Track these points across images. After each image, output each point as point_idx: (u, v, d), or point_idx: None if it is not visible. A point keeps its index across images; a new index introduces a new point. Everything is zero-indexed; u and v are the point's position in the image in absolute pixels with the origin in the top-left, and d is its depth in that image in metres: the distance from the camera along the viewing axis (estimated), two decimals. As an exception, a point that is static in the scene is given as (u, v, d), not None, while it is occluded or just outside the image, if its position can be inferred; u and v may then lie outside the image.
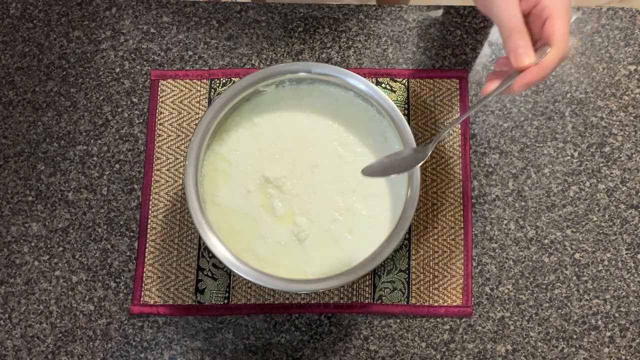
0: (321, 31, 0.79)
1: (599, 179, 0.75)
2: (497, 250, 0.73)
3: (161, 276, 0.74)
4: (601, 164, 0.75)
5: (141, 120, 0.77)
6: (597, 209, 0.74)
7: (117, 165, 0.76)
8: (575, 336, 0.71)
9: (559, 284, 0.72)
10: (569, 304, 0.72)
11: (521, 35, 0.52)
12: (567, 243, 0.73)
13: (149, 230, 0.75)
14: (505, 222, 0.74)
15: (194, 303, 0.73)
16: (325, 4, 0.80)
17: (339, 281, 0.63)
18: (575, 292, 0.72)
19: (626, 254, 0.73)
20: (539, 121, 0.76)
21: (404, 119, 0.66)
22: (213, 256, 0.70)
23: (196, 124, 0.76)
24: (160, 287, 0.73)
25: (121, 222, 0.75)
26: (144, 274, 0.74)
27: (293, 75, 0.69)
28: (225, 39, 0.79)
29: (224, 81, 0.78)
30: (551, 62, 0.52)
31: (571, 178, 0.75)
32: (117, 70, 0.79)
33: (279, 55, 0.79)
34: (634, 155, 0.75)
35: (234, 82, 0.76)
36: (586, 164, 0.75)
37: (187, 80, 0.78)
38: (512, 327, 0.72)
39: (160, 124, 0.77)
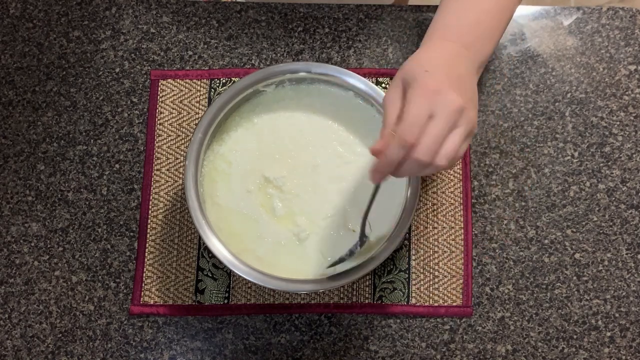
0: (321, 31, 0.79)
1: (599, 179, 0.75)
2: (497, 250, 0.73)
3: (161, 276, 0.74)
4: (601, 164, 0.75)
5: (141, 120, 0.77)
6: (597, 209, 0.74)
7: (117, 165, 0.76)
8: (575, 336, 0.71)
9: (559, 284, 0.72)
10: (569, 304, 0.72)
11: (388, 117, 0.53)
12: (567, 243, 0.73)
13: (148, 230, 0.74)
14: (505, 222, 0.74)
15: (193, 303, 0.73)
16: (325, 4, 0.80)
17: (339, 281, 0.63)
18: (576, 292, 0.72)
19: (626, 254, 0.73)
20: (539, 121, 0.76)
21: (404, 119, 0.66)
22: (213, 256, 0.70)
23: (196, 124, 0.76)
24: (160, 287, 0.73)
25: (121, 222, 0.75)
26: (144, 274, 0.74)
27: (293, 75, 0.69)
28: (225, 38, 0.79)
29: (224, 81, 0.78)
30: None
31: (571, 178, 0.75)
32: (117, 70, 0.79)
33: (279, 55, 0.79)
34: (634, 155, 0.75)
35: (234, 82, 0.76)
36: (586, 164, 0.75)
37: (187, 80, 0.78)
38: (512, 327, 0.72)
39: (160, 124, 0.77)
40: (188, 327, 0.72)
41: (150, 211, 0.75)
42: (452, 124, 0.52)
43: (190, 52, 0.79)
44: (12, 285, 0.74)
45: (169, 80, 0.78)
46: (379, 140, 0.53)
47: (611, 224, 0.74)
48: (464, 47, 0.59)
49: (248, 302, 0.73)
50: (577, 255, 0.73)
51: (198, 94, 0.78)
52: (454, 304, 0.72)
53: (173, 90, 0.78)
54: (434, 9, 0.79)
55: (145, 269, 0.74)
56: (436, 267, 0.73)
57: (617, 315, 0.72)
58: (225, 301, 0.73)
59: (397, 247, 0.69)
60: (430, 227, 0.74)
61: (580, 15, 0.79)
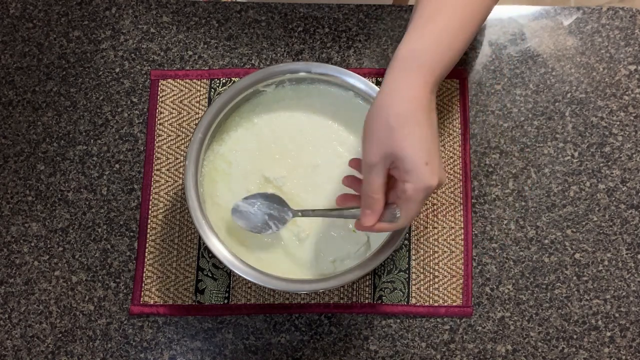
0: (321, 31, 0.79)
1: (599, 179, 0.75)
2: (497, 250, 0.73)
3: (161, 276, 0.74)
4: (601, 164, 0.75)
5: (141, 120, 0.77)
6: (597, 209, 0.74)
7: (117, 165, 0.76)
8: (575, 336, 0.71)
9: (559, 284, 0.72)
10: (569, 304, 0.72)
11: (376, 205, 0.58)
12: (567, 243, 0.73)
13: (148, 230, 0.74)
14: (505, 222, 0.74)
15: (193, 303, 0.73)
16: (325, 4, 0.80)
17: (339, 281, 0.63)
18: (576, 292, 0.72)
19: (626, 254, 0.73)
20: (539, 121, 0.76)
21: (404, 119, 0.66)
22: (213, 256, 0.70)
23: (196, 124, 0.76)
24: (160, 287, 0.73)
25: (121, 222, 0.75)
26: (144, 274, 0.74)
27: (293, 75, 0.69)
28: (225, 38, 0.79)
29: (224, 81, 0.78)
30: (388, 229, 0.60)
31: (571, 178, 0.75)
32: (117, 70, 0.79)
33: (279, 55, 0.79)
34: (634, 155, 0.75)
35: (234, 82, 0.76)
36: (586, 164, 0.75)
37: (187, 80, 0.78)
38: (512, 327, 0.72)
39: (160, 124, 0.77)
40: (188, 327, 0.72)
41: (150, 211, 0.75)
42: None
43: (190, 52, 0.79)
44: (12, 285, 0.74)
45: (169, 80, 0.78)
46: (368, 214, 0.58)
47: (611, 224, 0.74)
48: (433, 74, 0.58)
49: (248, 302, 0.73)
50: (577, 255, 0.73)
51: (198, 94, 0.78)
52: (454, 304, 0.72)
53: (173, 90, 0.78)
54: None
55: (145, 269, 0.74)
56: (436, 267, 0.73)
57: (617, 315, 0.72)
58: (225, 301, 0.73)
59: (397, 247, 0.69)
60: (430, 227, 0.74)
61: (580, 15, 0.79)
